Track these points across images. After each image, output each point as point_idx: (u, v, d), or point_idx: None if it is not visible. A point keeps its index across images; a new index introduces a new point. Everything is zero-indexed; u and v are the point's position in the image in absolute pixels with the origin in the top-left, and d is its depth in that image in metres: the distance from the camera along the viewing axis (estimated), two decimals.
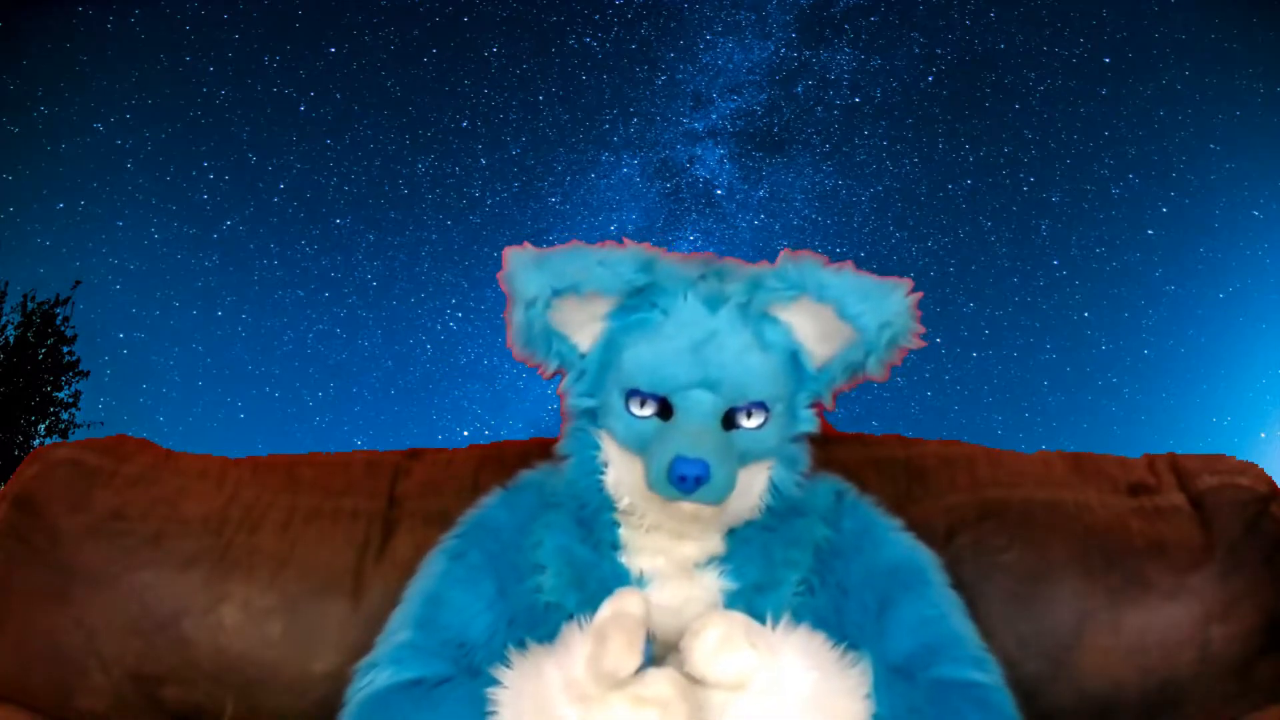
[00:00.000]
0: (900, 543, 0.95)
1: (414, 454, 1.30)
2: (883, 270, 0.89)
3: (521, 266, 0.88)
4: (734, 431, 0.87)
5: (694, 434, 0.84)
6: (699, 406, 0.86)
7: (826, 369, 0.91)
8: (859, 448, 1.26)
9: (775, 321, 0.90)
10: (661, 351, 0.87)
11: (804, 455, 0.95)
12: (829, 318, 0.88)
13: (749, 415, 0.87)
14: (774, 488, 0.92)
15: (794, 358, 0.91)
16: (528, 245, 0.90)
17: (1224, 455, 1.22)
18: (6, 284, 9.79)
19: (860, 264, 0.88)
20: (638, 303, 0.90)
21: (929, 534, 1.03)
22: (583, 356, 0.93)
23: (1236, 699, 1.07)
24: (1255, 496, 1.15)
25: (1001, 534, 1.15)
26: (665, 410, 0.87)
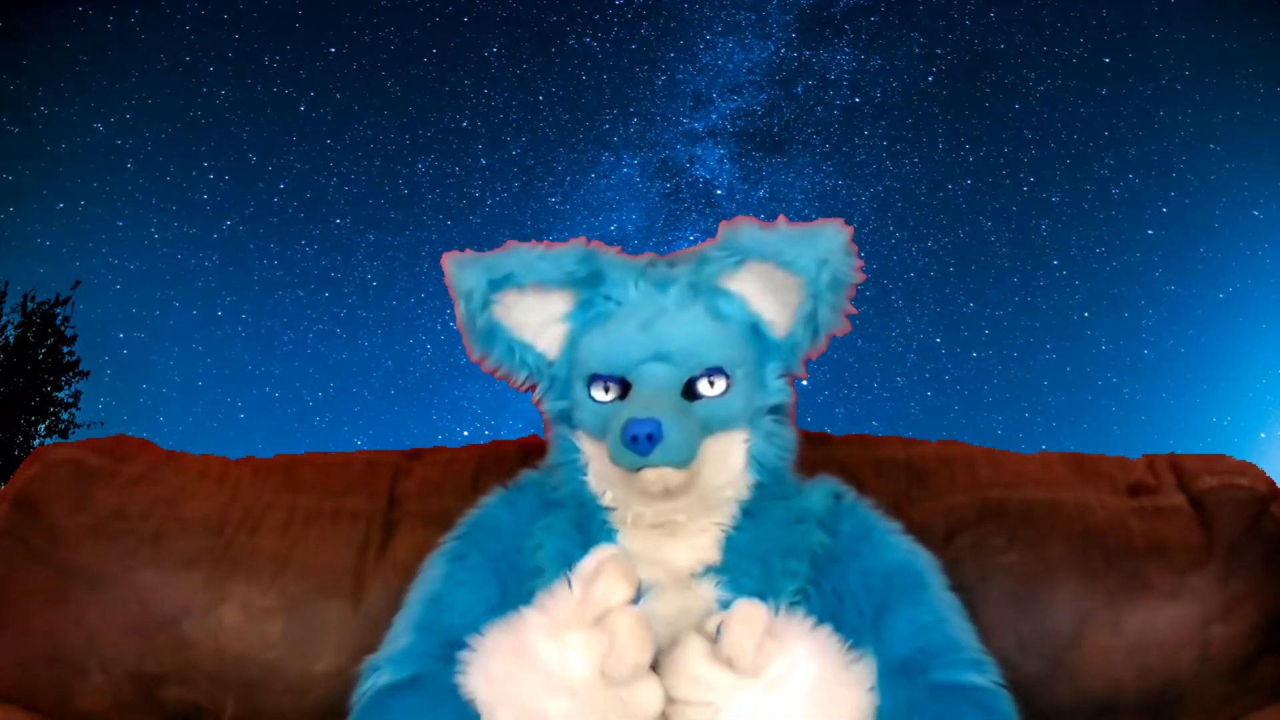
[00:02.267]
0: (897, 547, 0.95)
1: (414, 454, 1.30)
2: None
3: (457, 266, 0.92)
4: (697, 402, 0.88)
5: (646, 400, 0.85)
6: (654, 378, 0.87)
7: (789, 334, 0.91)
8: (859, 448, 1.26)
9: (728, 294, 0.92)
10: (614, 334, 0.90)
11: (786, 430, 0.95)
12: (775, 276, 0.89)
13: (710, 384, 0.88)
14: (755, 462, 0.91)
15: (754, 329, 0.92)
16: (468, 251, 0.93)
17: (1224, 455, 1.22)
18: (6, 284, 9.79)
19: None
20: (592, 297, 0.92)
21: (929, 535, 1.03)
22: (551, 364, 0.96)
23: (1236, 699, 1.07)
24: (1255, 496, 1.15)
25: (1001, 535, 1.15)
26: (626, 391, 0.89)
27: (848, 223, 0.87)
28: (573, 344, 0.94)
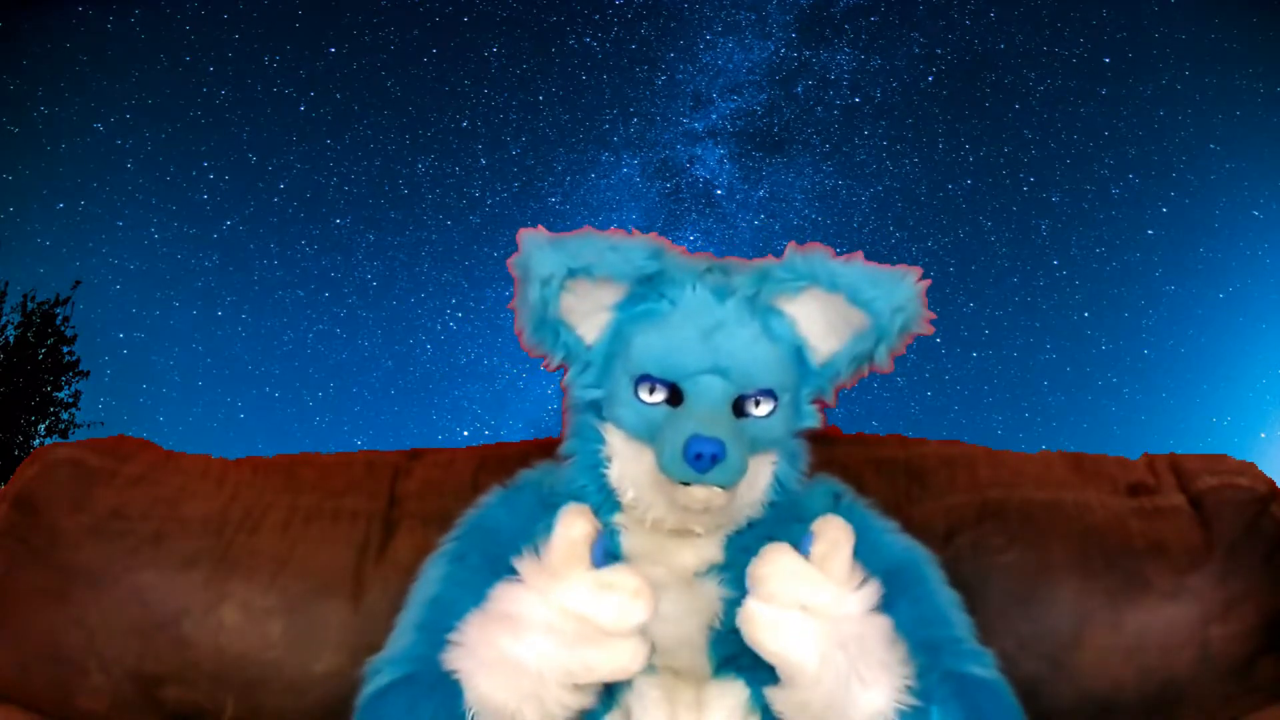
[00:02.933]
0: (895, 545, 0.95)
1: (414, 454, 1.30)
2: None
3: (537, 247, 0.88)
4: (743, 420, 0.87)
5: (708, 416, 0.84)
6: (710, 391, 0.86)
7: (831, 363, 0.92)
8: (859, 448, 1.26)
9: (780, 314, 0.91)
10: (671, 338, 0.88)
11: (805, 452, 0.96)
12: (837, 308, 0.88)
13: (757, 404, 0.88)
14: (778, 483, 0.92)
15: (798, 352, 0.92)
16: (542, 229, 0.90)
17: (1224, 455, 1.22)
18: (6, 284, 9.79)
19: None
20: (645, 292, 0.90)
21: (929, 534, 1.03)
22: (588, 349, 0.93)
23: (1236, 699, 1.07)
24: (1255, 496, 1.15)
25: (1001, 534, 1.15)
26: (675, 397, 0.88)
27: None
28: (617, 335, 0.92)
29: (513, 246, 0.90)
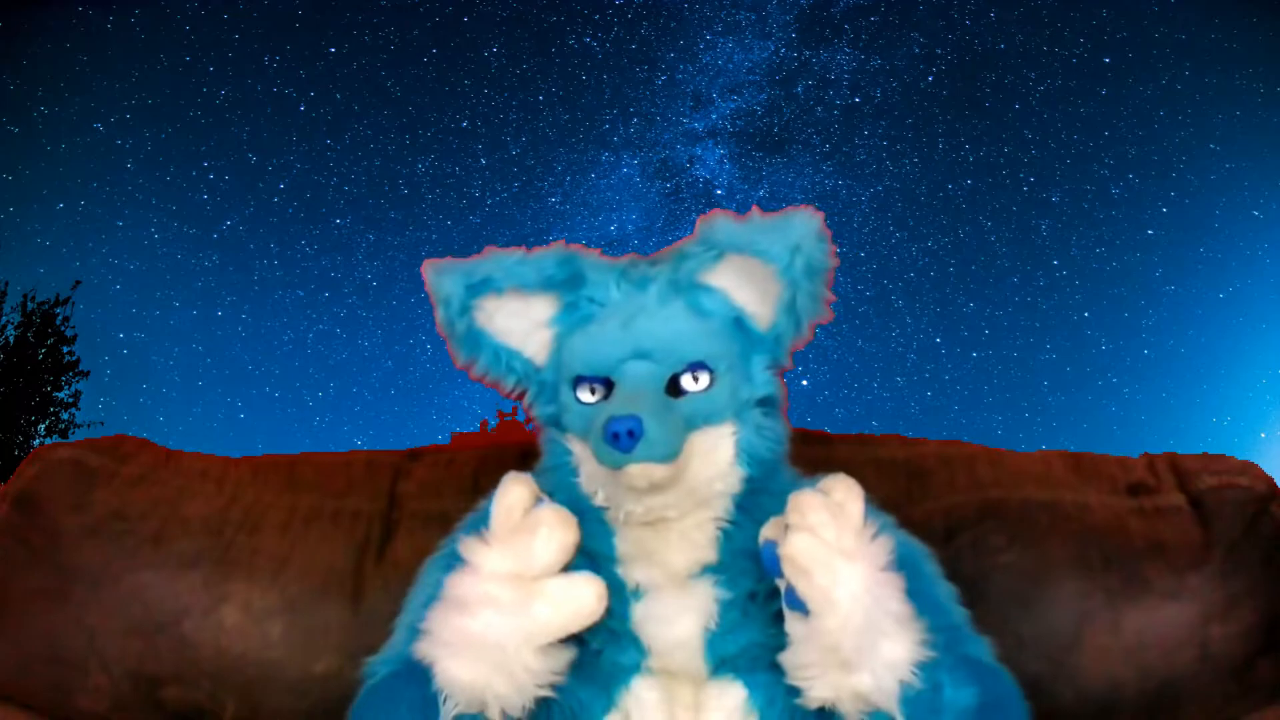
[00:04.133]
0: (892, 539, 0.95)
1: (414, 454, 1.30)
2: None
3: (435, 272, 0.92)
4: (682, 397, 0.88)
5: (627, 398, 0.86)
6: (636, 376, 0.87)
7: (773, 326, 0.91)
8: (859, 448, 1.26)
9: (709, 289, 0.91)
10: (595, 335, 0.90)
11: (776, 423, 0.94)
12: (752, 267, 0.88)
13: (694, 379, 0.88)
14: (744, 455, 0.91)
15: (738, 323, 0.92)
16: (449, 258, 0.93)
17: (1224, 455, 1.22)
18: (6, 284, 9.80)
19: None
20: (575, 300, 0.92)
21: (929, 534, 1.02)
22: (539, 370, 0.96)
23: (1236, 699, 1.07)
24: (1255, 496, 1.15)
25: (1001, 534, 1.15)
26: (611, 391, 0.89)
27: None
28: (558, 348, 0.94)
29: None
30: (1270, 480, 1.17)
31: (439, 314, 0.92)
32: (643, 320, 0.89)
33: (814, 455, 1.04)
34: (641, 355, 0.88)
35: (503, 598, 0.78)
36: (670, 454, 0.84)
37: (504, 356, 0.95)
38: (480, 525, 0.98)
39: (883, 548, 0.79)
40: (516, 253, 0.92)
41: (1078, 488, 1.20)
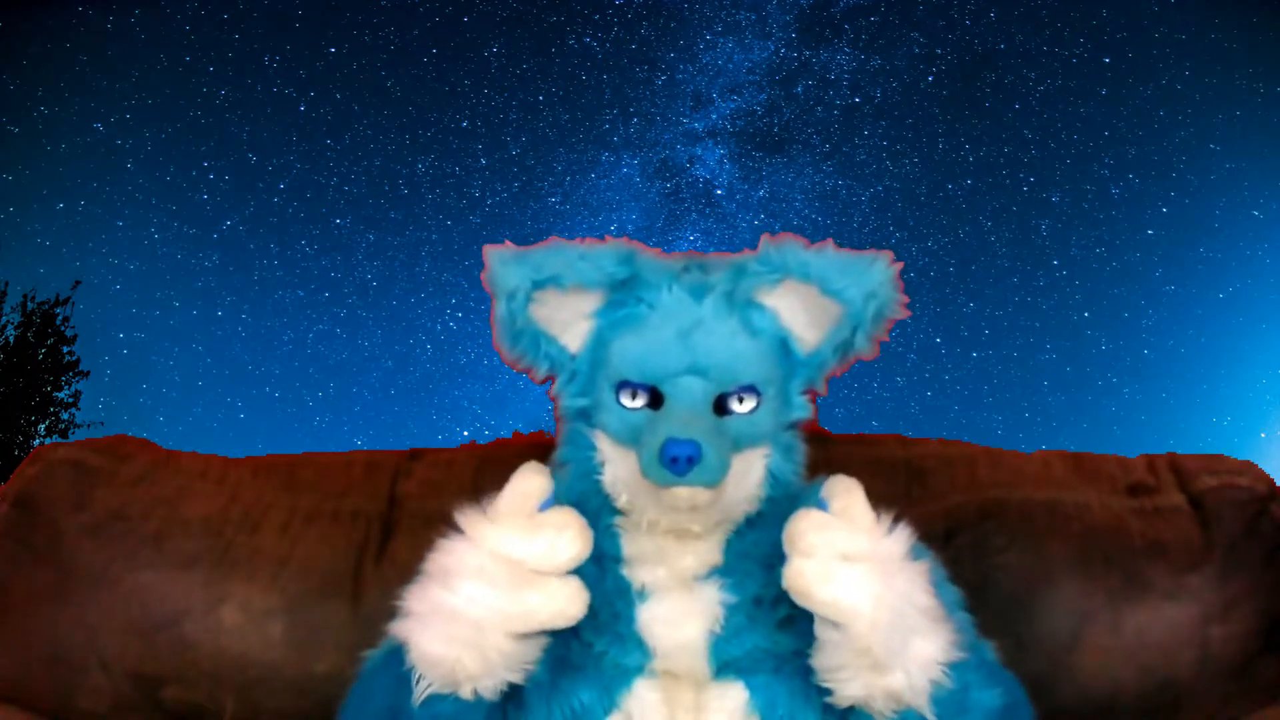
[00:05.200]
0: None
1: (414, 454, 1.30)
2: None
3: (501, 262, 0.89)
4: (727, 417, 0.87)
5: (684, 418, 0.84)
6: (689, 393, 0.86)
7: (816, 353, 0.91)
8: (859, 448, 1.26)
9: (761, 308, 0.90)
10: (649, 341, 0.88)
11: (800, 444, 0.95)
12: (814, 297, 0.88)
13: (740, 400, 0.88)
14: (771, 477, 0.91)
15: (783, 344, 0.91)
16: (508, 244, 0.90)
17: (1223, 455, 1.22)
18: (6, 284, 9.80)
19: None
20: (623, 298, 0.91)
21: (929, 534, 1.02)
22: (573, 358, 0.94)
23: (1236, 699, 1.07)
24: (1255, 496, 1.15)
25: (1001, 534, 1.15)
26: (656, 400, 0.88)
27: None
28: (599, 342, 0.92)
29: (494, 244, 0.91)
30: (1270, 480, 1.17)
31: (499, 305, 0.89)
32: (699, 335, 0.87)
33: (814, 455, 1.04)
34: (696, 371, 0.86)
35: (498, 575, 0.77)
36: (720, 479, 0.84)
37: (543, 344, 0.93)
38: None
39: (898, 541, 0.79)
40: (579, 246, 0.89)
41: (1078, 488, 1.20)
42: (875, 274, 0.85)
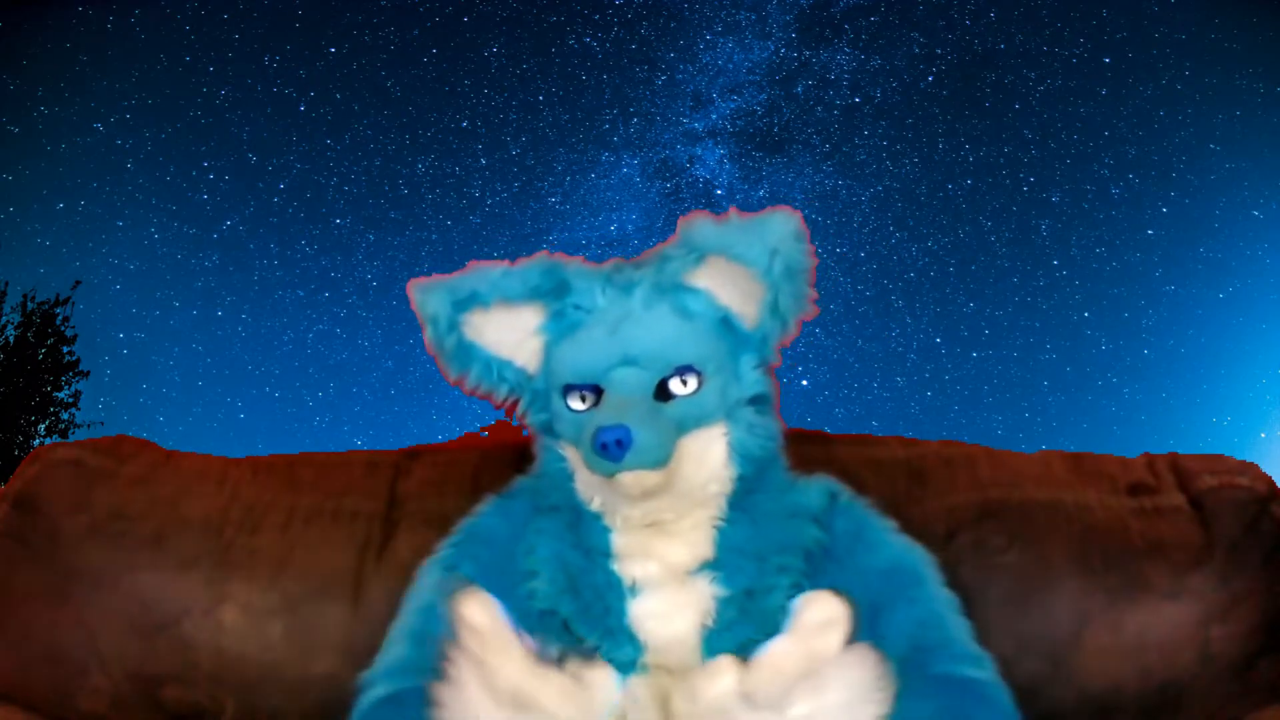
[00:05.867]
0: (893, 544, 0.95)
1: (414, 454, 1.30)
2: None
3: (422, 291, 0.93)
4: (671, 401, 0.88)
5: (616, 406, 0.86)
6: (624, 383, 0.88)
7: (759, 325, 0.91)
8: (859, 448, 1.26)
9: (694, 291, 0.92)
10: (582, 342, 0.90)
11: (768, 420, 0.94)
12: (733, 268, 0.88)
13: (683, 383, 0.89)
14: (736, 454, 0.91)
15: (724, 322, 0.92)
16: (435, 276, 0.94)
17: (1223, 455, 1.22)
18: (6, 284, 9.81)
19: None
20: (562, 308, 0.93)
21: (929, 534, 1.03)
22: (531, 378, 0.96)
23: (1236, 699, 1.07)
24: (1255, 496, 1.15)
25: (1001, 534, 1.15)
26: (600, 398, 0.89)
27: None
28: (548, 356, 0.94)
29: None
30: (1270, 480, 1.17)
31: (427, 333, 0.93)
32: (629, 326, 0.89)
33: (814, 455, 1.04)
34: (629, 362, 0.88)
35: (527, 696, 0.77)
36: (660, 460, 0.84)
37: (495, 367, 0.96)
38: (480, 530, 0.99)
39: (843, 678, 0.75)
40: (500, 266, 0.93)
41: (1078, 488, 1.19)
42: (774, 229, 0.86)
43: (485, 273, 0.93)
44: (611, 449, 0.81)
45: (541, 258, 0.94)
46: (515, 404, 0.98)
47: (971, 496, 1.19)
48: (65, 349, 9.93)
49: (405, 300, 0.95)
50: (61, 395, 9.92)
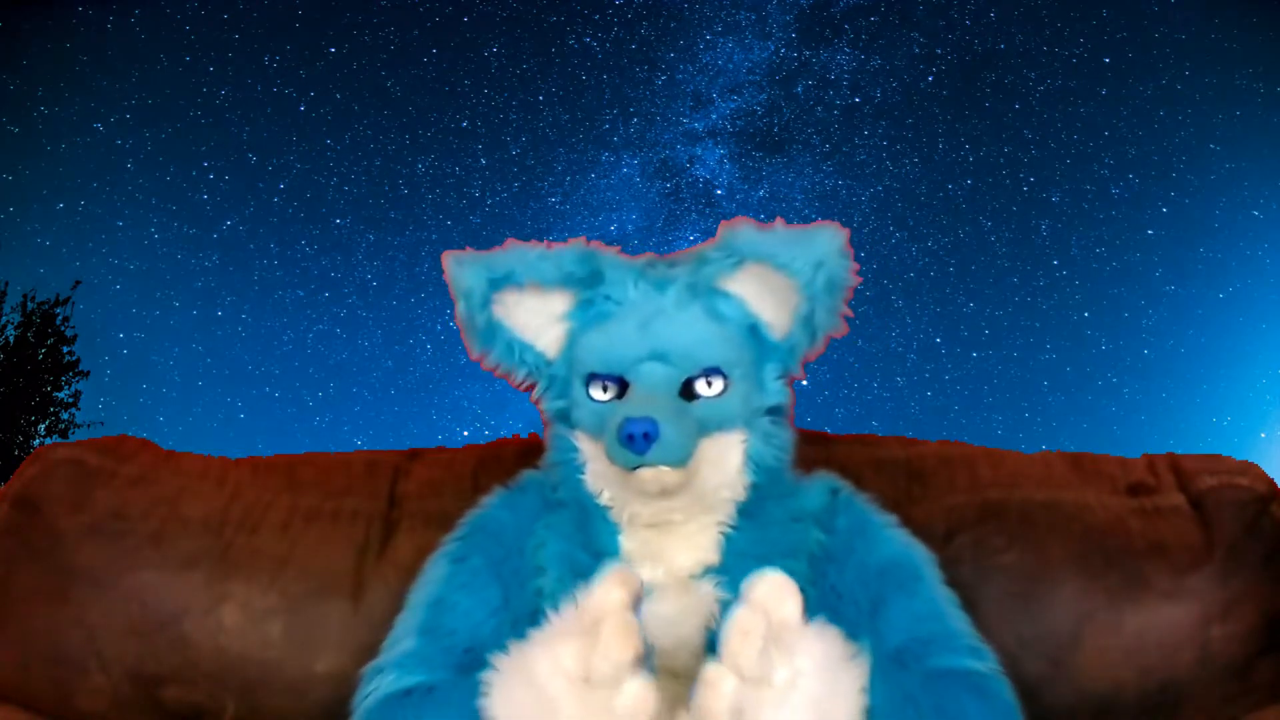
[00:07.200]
0: (893, 540, 0.95)
1: (414, 454, 1.30)
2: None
3: (458, 264, 0.93)
4: (695, 402, 0.88)
5: (643, 399, 0.86)
6: (651, 377, 0.88)
7: (788, 337, 0.91)
8: (859, 448, 1.26)
9: (727, 295, 0.92)
10: (612, 334, 0.90)
11: (783, 431, 0.94)
12: (773, 278, 0.88)
13: (708, 384, 0.89)
14: (752, 463, 0.91)
15: (753, 330, 0.92)
16: (469, 249, 0.94)
17: (1223, 455, 1.22)
18: (6, 284, 9.80)
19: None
20: (591, 297, 0.93)
21: (929, 534, 1.03)
22: (550, 363, 0.96)
23: (1236, 699, 1.07)
24: (1255, 496, 1.15)
25: (1001, 534, 1.15)
26: (624, 390, 0.89)
27: (847, 223, 0.87)
28: (572, 343, 0.94)
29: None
30: (1270, 480, 1.17)
31: (460, 306, 0.93)
32: (660, 322, 0.89)
33: (814, 455, 1.04)
34: (658, 357, 0.88)
35: (563, 709, 0.70)
36: (683, 458, 0.84)
37: (517, 349, 0.95)
38: (488, 523, 0.98)
39: (810, 648, 0.71)
40: (538, 247, 0.92)
41: (1078, 488, 1.20)
42: (821, 243, 0.86)
43: (523, 253, 0.92)
44: (638, 441, 0.81)
45: (578, 244, 0.93)
46: (532, 387, 0.98)
47: (971, 496, 1.19)
48: (65, 349, 9.93)
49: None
50: (61, 395, 9.92)
